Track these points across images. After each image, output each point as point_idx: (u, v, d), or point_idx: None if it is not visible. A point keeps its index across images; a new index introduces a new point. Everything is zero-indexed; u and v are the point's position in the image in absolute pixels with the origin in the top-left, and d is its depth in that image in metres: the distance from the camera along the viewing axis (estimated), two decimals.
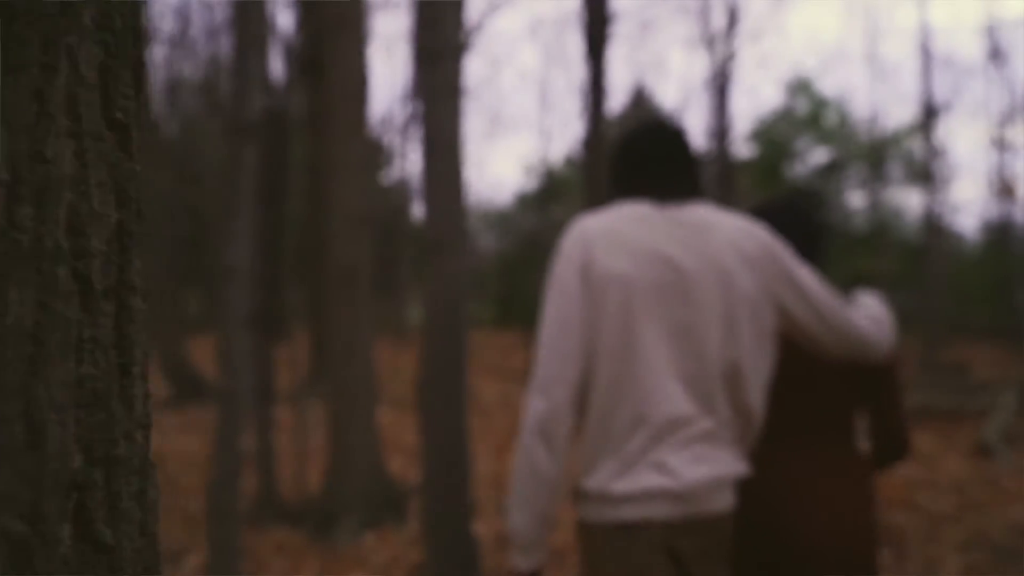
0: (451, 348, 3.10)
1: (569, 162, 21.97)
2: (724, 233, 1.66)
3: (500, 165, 44.80)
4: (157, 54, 13.62)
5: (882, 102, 31.29)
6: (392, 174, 21.74)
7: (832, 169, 18.98)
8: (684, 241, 1.64)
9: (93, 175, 0.54)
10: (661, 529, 1.57)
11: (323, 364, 8.49)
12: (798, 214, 2.00)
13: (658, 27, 24.40)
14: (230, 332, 3.45)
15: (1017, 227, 18.05)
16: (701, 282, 1.62)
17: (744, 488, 1.72)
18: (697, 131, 15.13)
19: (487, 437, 6.95)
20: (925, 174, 16.38)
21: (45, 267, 0.51)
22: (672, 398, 1.58)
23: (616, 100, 18.60)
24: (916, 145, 17.88)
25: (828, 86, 25.04)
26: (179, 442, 7.87)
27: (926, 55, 15.66)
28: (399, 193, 20.41)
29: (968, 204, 34.61)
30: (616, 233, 1.64)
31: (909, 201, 20.62)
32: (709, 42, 15.92)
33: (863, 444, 1.94)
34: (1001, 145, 17.55)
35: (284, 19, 12.66)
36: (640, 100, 19.32)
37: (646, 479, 1.57)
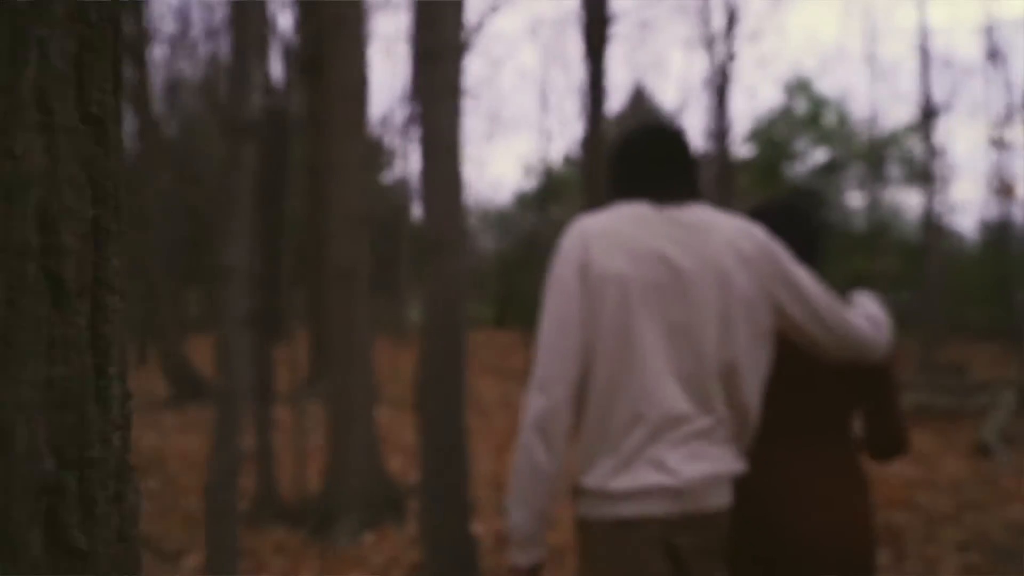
0: (450, 348, 3.10)
1: (568, 162, 22.00)
2: (722, 234, 1.68)
3: (500, 165, 44.93)
4: (157, 54, 13.64)
5: (881, 102, 31.38)
6: (392, 174, 21.76)
7: (831, 169, 19.01)
8: (682, 241, 1.65)
9: (64, 170, 0.52)
10: (659, 526, 1.58)
11: (322, 364, 8.50)
12: (797, 214, 1.99)
13: (657, 27, 24.42)
14: (229, 332, 3.43)
15: (1016, 227, 18.09)
16: (699, 282, 1.63)
17: (743, 488, 1.72)
18: (696, 131, 15.17)
19: (486, 437, 6.95)
20: (924, 174, 16.39)
21: (13, 264, 0.49)
22: (670, 396, 1.60)
23: (615, 100, 18.64)
24: (915, 145, 17.91)
25: (827, 86, 25.12)
26: (179, 442, 7.87)
27: (925, 55, 15.69)
28: (399, 193, 20.41)
29: (967, 204, 34.78)
30: (615, 233, 1.65)
31: (908, 201, 20.68)
32: (708, 42, 15.93)
33: (856, 437, 1.94)
34: (1000, 145, 17.55)
35: (283, 19, 12.66)
36: (639, 100, 19.30)
37: (644, 476, 1.58)
